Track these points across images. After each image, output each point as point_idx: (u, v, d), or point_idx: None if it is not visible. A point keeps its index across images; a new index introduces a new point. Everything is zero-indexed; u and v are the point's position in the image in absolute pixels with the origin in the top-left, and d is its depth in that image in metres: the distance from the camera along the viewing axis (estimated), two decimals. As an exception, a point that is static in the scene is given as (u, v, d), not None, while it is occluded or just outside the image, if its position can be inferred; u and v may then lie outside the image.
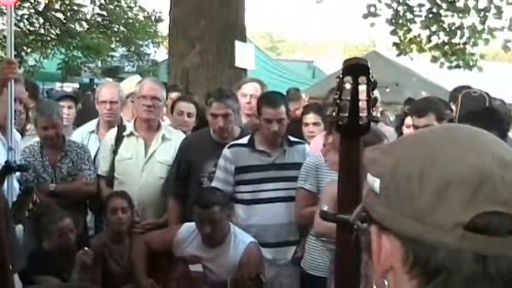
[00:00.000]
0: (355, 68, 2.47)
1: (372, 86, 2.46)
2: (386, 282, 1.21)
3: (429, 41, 16.11)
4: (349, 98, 2.47)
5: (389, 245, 1.18)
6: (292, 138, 5.99)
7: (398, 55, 16.67)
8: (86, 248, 5.77)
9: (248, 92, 7.31)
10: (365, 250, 1.25)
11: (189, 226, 5.51)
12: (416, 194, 1.13)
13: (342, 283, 2.56)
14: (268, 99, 5.82)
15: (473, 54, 16.35)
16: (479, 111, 5.53)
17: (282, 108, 5.71)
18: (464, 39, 15.86)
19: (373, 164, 1.23)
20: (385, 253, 1.19)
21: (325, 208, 2.84)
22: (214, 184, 5.78)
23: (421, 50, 16.48)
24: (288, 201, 5.78)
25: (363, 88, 2.46)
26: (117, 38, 20.79)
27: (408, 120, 6.36)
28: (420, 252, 1.13)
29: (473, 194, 1.10)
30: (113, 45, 20.68)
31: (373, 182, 1.21)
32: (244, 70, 10.51)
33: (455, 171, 1.11)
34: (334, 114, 2.52)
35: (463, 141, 1.18)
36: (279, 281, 5.80)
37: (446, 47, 16.05)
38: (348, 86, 2.47)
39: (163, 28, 19.87)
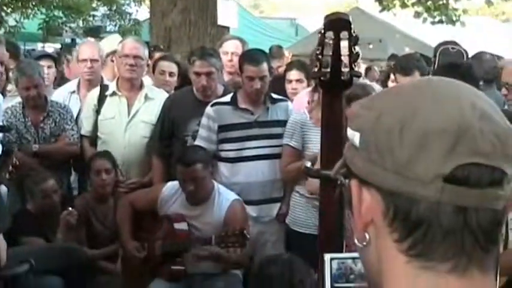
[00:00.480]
0: (337, 23, 2.46)
1: (353, 41, 2.46)
2: (367, 236, 1.20)
3: (412, -4, 16.09)
4: (331, 53, 2.46)
5: (369, 199, 1.18)
6: (274, 96, 5.97)
7: (381, 11, 16.63)
8: (70, 209, 5.78)
9: (229, 49, 7.29)
10: (346, 204, 1.25)
11: (173, 185, 5.51)
12: (396, 146, 1.12)
13: (326, 238, 2.56)
14: (250, 56, 5.81)
15: (456, 9, 16.33)
16: (448, 66, 5.56)
17: (264, 66, 5.69)
18: (447, -6, 15.85)
19: (353, 118, 1.23)
20: (366, 207, 1.18)
21: (308, 164, 2.85)
22: (197, 142, 5.77)
23: (403, 5, 16.47)
24: (272, 158, 5.79)
25: (344, 43, 2.45)
26: (99, -2, 20.61)
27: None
28: (400, 205, 1.13)
29: (453, 145, 1.10)
30: (94, 5, 20.45)
31: (353, 136, 1.20)
32: (227, 28, 10.47)
33: (435, 123, 1.11)
34: (316, 69, 2.51)
35: (443, 93, 1.17)
36: (264, 238, 5.83)
37: (429, 2, 16.05)
38: (329, 41, 2.46)
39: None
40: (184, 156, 5.43)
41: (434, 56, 6.64)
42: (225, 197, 5.46)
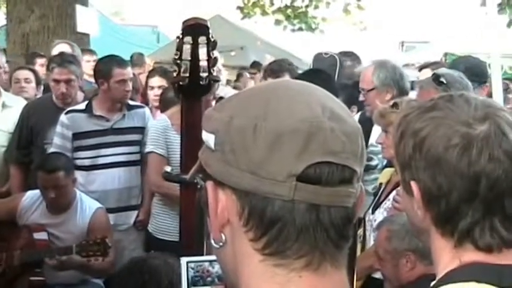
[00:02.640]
0: (195, 28, 2.47)
1: (211, 46, 2.47)
2: (223, 237, 1.22)
3: (272, 4, 16.31)
4: (189, 58, 2.47)
5: (225, 199, 1.19)
6: (131, 102, 5.94)
7: (242, 18, 16.78)
8: None
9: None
10: (204, 206, 1.26)
11: (33, 194, 5.39)
12: (250, 146, 1.14)
13: (187, 243, 2.57)
14: (117, 61, 5.79)
15: (315, 18, 16.66)
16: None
17: (129, 69, 5.71)
18: (306, 3, 16.16)
19: (207, 121, 1.23)
20: (222, 207, 1.19)
21: (168, 169, 2.84)
22: (52, 151, 5.66)
23: (264, 13, 16.68)
24: (128, 165, 5.78)
25: (203, 48, 2.47)
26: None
27: None
28: (255, 204, 1.15)
29: (305, 145, 1.12)
30: None
31: (208, 138, 1.21)
32: (87, 35, 10.32)
33: (287, 123, 1.13)
34: (175, 74, 2.51)
35: (294, 94, 1.20)
36: (122, 245, 5.77)
37: (289, 10, 16.31)
38: (187, 46, 2.47)
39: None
40: (46, 163, 5.31)
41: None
42: (88, 205, 5.37)
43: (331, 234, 1.16)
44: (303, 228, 1.14)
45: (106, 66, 5.75)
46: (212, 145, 1.19)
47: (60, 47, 7.35)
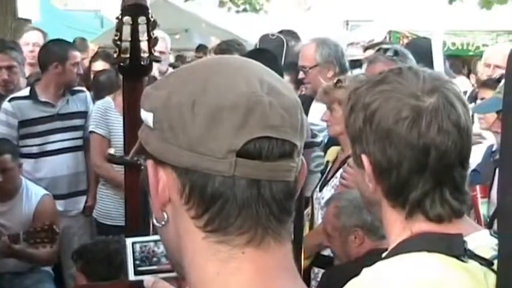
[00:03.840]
0: (134, 8, 2.45)
1: (152, 26, 2.45)
2: (165, 215, 1.21)
3: (216, -15, 16.30)
4: (129, 38, 2.45)
5: (165, 178, 1.18)
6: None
7: (186, 1, 16.72)
8: None
9: (30, 40, 7.10)
10: (145, 185, 1.25)
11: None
12: (188, 123, 1.13)
13: (132, 224, 2.55)
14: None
15: (259, -1, 16.70)
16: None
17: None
18: (250, -17, 16.17)
19: (146, 99, 1.22)
20: (162, 186, 1.19)
21: (112, 151, 2.82)
22: None
23: (209, -6, 16.65)
24: (75, 151, 5.77)
25: (143, 28, 2.45)
26: None
27: None
28: (196, 181, 1.14)
29: (244, 120, 1.12)
30: None
31: (147, 116, 1.20)
32: (29, 20, 10.18)
33: (225, 99, 1.13)
34: (115, 55, 2.49)
35: (232, 69, 1.19)
36: (71, 232, 5.77)
37: (233, -8, 16.30)
38: (127, 27, 2.44)
39: None
40: None
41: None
42: (34, 192, 5.32)
43: (273, 209, 1.16)
44: (245, 204, 1.14)
45: (61, 48, 5.69)
46: (151, 123, 1.18)
47: (32, 34, 7.23)
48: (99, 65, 6.98)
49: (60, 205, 5.57)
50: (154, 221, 1.23)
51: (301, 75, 5.24)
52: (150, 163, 1.20)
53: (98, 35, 17.21)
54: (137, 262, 1.80)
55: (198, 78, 1.17)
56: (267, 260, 1.17)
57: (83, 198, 5.86)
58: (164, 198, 1.20)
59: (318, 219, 4.27)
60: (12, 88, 5.91)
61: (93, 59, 7.29)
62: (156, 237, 1.80)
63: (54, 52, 5.71)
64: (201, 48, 12.70)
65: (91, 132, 5.52)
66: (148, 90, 1.24)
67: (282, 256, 1.19)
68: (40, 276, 5.36)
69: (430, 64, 5.32)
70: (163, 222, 1.22)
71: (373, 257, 1.80)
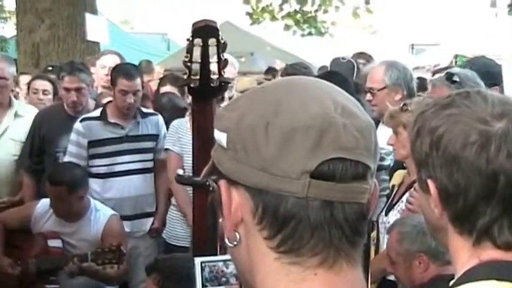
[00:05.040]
0: (204, 30, 2.47)
1: (221, 47, 2.46)
2: (237, 236, 1.21)
3: (281, 9, 16.32)
4: (199, 60, 2.46)
5: (238, 198, 1.18)
6: (145, 110, 5.96)
7: (251, 24, 16.80)
8: None
9: (107, 64, 7.19)
10: (217, 206, 1.25)
11: (46, 202, 5.38)
12: (262, 144, 1.13)
13: (199, 245, 2.55)
14: (124, 70, 5.75)
15: (324, 22, 16.67)
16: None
17: (138, 80, 5.67)
18: (315, 7, 16.15)
19: (219, 120, 1.23)
20: (235, 206, 1.19)
21: (181, 172, 2.84)
22: (66, 159, 5.69)
23: (273, 18, 16.70)
24: (144, 173, 5.81)
25: (213, 50, 2.46)
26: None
27: None
28: (269, 202, 1.14)
29: (317, 141, 1.12)
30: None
31: (220, 137, 1.20)
32: (97, 44, 10.35)
33: (298, 120, 1.13)
34: (185, 77, 2.51)
35: (305, 90, 1.19)
36: (138, 251, 5.80)
37: (298, 15, 16.32)
38: (198, 48, 2.46)
39: (9, 3, 19.29)
40: (53, 174, 5.32)
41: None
42: (102, 213, 5.37)
43: (346, 231, 1.15)
44: (318, 226, 1.13)
45: (114, 73, 5.77)
46: (224, 144, 1.19)
47: (110, 58, 7.33)
48: (168, 90, 6.98)
49: (126, 226, 5.60)
50: (226, 241, 1.23)
51: (368, 97, 5.20)
52: (223, 183, 1.20)
53: (165, 57, 17.42)
54: (206, 281, 1.80)
55: (270, 100, 1.17)
56: (340, 282, 1.16)
57: (149, 220, 5.89)
58: (237, 219, 1.20)
59: (384, 244, 4.23)
60: (81, 109, 5.99)
61: (162, 82, 7.31)
62: (225, 257, 1.80)
63: (111, 77, 5.82)
64: (270, 71, 12.74)
65: (167, 149, 5.59)
66: (222, 111, 1.24)
67: (354, 278, 1.18)
68: (105, 296, 5.40)
69: (492, 84, 5.26)
70: (235, 243, 1.22)
71: (438, 283, 1.78)
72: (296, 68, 6.53)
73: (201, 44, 2.44)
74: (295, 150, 1.12)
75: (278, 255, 1.16)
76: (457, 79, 4.68)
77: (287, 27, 16.55)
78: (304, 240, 1.14)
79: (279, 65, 14.37)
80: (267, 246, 1.16)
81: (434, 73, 7.25)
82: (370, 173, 1.18)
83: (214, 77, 2.48)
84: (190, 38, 2.46)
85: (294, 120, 1.13)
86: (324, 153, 1.12)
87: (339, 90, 1.23)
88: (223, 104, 4.38)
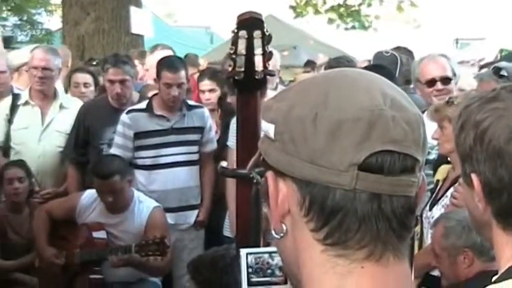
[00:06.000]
0: (249, 22, 2.46)
1: (266, 40, 2.46)
2: (284, 227, 1.20)
3: (324, 3, 16.28)
4: (244, 52, 2.46)
5: (285, 189, 1.18)
6: (190, 102, 5.97)
7: (295, 18, 16.77)
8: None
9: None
10: (263, 197, 1.25)
11: (91, 193, 5.45)
12: (310, 136, 1.13)
13: (242, 237, 2.55)
14: (168, 63, 5.77)
15: (368, 16, 16.60)
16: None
17: (182, 73, 5.68)
18: (359, 1, 16.10)
19: (266, 111, 1.22)
20: (282, 197, 1.18)
21: (224, 164, 2.83)
22: (113, 150, 5.72)
23: (317, 12, 16.67)
24: (189, 165, 5.82)
25: (258, 43, 2.46)
26: (9, 7, 20.27)
27: None
28: (316, 194, 1.13)
29: (366, 134, 1.11)
30: (4, 14, 20.14)
31: (268, 128, 1.20)
32: (141, 37, 10.41)
33: (347, 112, 1.12)
34: (230, 69, 2.51)
35: (354, 82, 1.18)
36: (182, 244, 5.82)
37: (342, 9, 16.27)
38: (243, 41, 2.46)
39: (55, -4, 19.50)
40: (100, 169, 5.37)
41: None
42: (145, 205, 5.42)
43: (393, 224, 1.14)
44: (365, 218, 1.13)
45: (159, 66, 5.79)
46: (272, 135, 1.18)
47: (165, 52, 7.37)
48: (206, 85, 6.86)
49: (171, 218, 5.63)
50: (273, 232, 1.22)
51: (439, 85, 5.11)
52: (270, 174, 1.20)
53: (208, 51, 17.45)
54: (251, 273, 1.80)
55: (319, 91, 1.17)
56: (387, 276, 1.15)
57: (194, 213, 5.90)
58: (283, 210, 1.19)
59: (427, 239, 4.21)
60: (125, 102, 6.03)
61: (200, 78, 7.18)
62: (271, 249, 1.80)
63: (156, 69, 5.84)
64: (309, 64, 12.71)
65: (226, 145, 5.62)
66: (269, 102, 1.24)
67: (401, 273, 1.17)
68: (149, 287, 5.43)
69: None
70: (281, 234, 1.21)
71: (482, 279, 1.75)
72: (340, 62, 6.50)
73: (246, 36, 2.44)
74: (344, 142, 1.11)
75: (324, 247, 1.15)
76: (505, 73, 4.64)
77: (330, 21, 16.51)
78: (351, 233, 1.13)
79: (322, 59, 14.32)
80: (313, 238, 1.16)
81: (481, 68, 7.16)
82: (419, 166, 1.16)
83: (259, 69, 2.48)
84: (235, 30, 2.46)
85: (342, 112, 1.12)
86: (372, 145, 1.11)
87: (388, 82, 1.22)
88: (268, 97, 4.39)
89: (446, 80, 5.06)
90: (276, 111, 1.19)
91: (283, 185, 1.18)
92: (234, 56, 2.48)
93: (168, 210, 5.59)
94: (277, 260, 1.76)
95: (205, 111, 6.00)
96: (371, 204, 1.12)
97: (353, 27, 16.64)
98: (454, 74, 5.08)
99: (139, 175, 5.73)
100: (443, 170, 4.42)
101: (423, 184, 1.20)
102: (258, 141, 1.24)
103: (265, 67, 2.49)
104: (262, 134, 1.23)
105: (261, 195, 1.25)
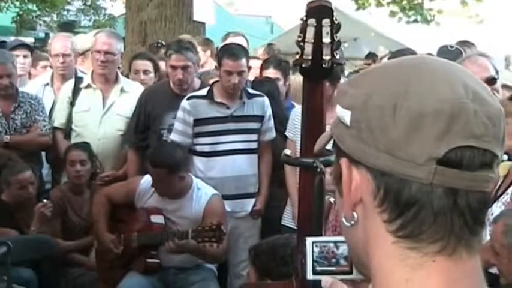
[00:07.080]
0: (319, 10, 2.44)
1: (335, 28, 2.44)
2: (355, 215, 1.19)
3: (387, -5, 16.16)
4: (312, 40, 2.44)
5: (359, 178, 1.16)
6: (251, 91, 5.97)
7: (356, 9, 16.67)
8: (45, 201, 5.75)
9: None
10: (334, 182, 1.24)
11: (150, 178, 5.47)
12: (389, 126, 1.11)
13: (303, 227, 2.55)
14: (230, 51, 5.78)
15: (431, 10, 16.42)
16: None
17: (243, 61, 5.69)
18: (422, -6, 15.94)
19: (342, 96, 1.21)
20: (355, 186, 1.17)
21: (288, 152, 2.82)
22: (172, 136, 5.75)
23: (379, 4, 16.54)
24: (247, 153, 5.82)
25: (326, 31, 2.44)
26: (73, -8, 20.50)
27: None
28: (391, 185, 1.12)
29: (447, 127, 1.08)
30: (68, -1, 20.38)
31: (344, 113, 1.18)
32: (203, 24, 10.44)
33: (429, 104, 1.09)
34: (297, 56, 2.49)
35: (435, 72, 1.16)
36: (238, 232, 5.85)
37: (405, 2, 16.15)
38: (311, 28, 2.44)
39: (119, -18, 19.66)
40: (153, 155, 5.42)
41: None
42: (203, 192, 5.44)
43: (468, 219, 1.12)
44: (440, 212, 1.10)
45: (220, 54, 5.82)
46: (348, 121, 1.17)
47: (238, 39, 7.42)
48: (271, 73, 6.91)
49: (227, 205, 5.63)
50: (343, 220, 1.21)
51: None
52: (344, 162, 1.18)
53: (268, 40, 17.46)
54: (316, 262, 1.79)
55: (399, 80, 1.14)
56: (459, 271, 1.13)
57: (252, 201, 5.90)
58: (356, 199, 1.18)
59: (486, 236, 4.15)
60: (186, 88, 6.04)
61: (265, 65, 7.19)
62: (337, 238, 1.78)
63: (217, 56, 5.86)
64: (370, 56, 12.63)
65: (288, 139, 5.64)
66: (345, 87, 1.22)
67: (473, 268, 1.16)
68: (205, 274, 5.47)
69: None
70: (352, 222, 1.20)
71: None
72: (404, 54, 6.42)
73: (315, 24, 2.42)
74: (424, 135, 1.09)
75: (396, 239, 1.13)
76: None
77: (392, 13, 16.37)
78: (425, 226, 1.11)
79: (382, 51, 14.23)
80: (385, 230, 1.14)
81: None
82: (497, 161, 1.14)
83: (327, 57, 2.46)
84: (304, 18, 2.44)
85: (423, 104, 1.10)
86: (453, 140, 1.09)
87: (469, 74, 1.19)
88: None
89: (492, 81, 4.97)
90: (352, 98, 1.17)
91: (357, 173, 1.16)
92: (301, 44, 2.46)
93: (226, 197, 5.60)
94: (342, 249, 1.74)
95: (266, 100, 5.99)
96: (447, 198, 1.10)
97: (415, 21, 16.46)
98: (497, 72, 4.96)
99: (198, 162, 5.76)
100: (504, 166, 4.35)
101: (498, 179, 1.17)
102: (322, 130, 1.22)
103: (332, 56, 2.47)
104: (335, 119, 1.22)
105: (333, 180, 1.23)
